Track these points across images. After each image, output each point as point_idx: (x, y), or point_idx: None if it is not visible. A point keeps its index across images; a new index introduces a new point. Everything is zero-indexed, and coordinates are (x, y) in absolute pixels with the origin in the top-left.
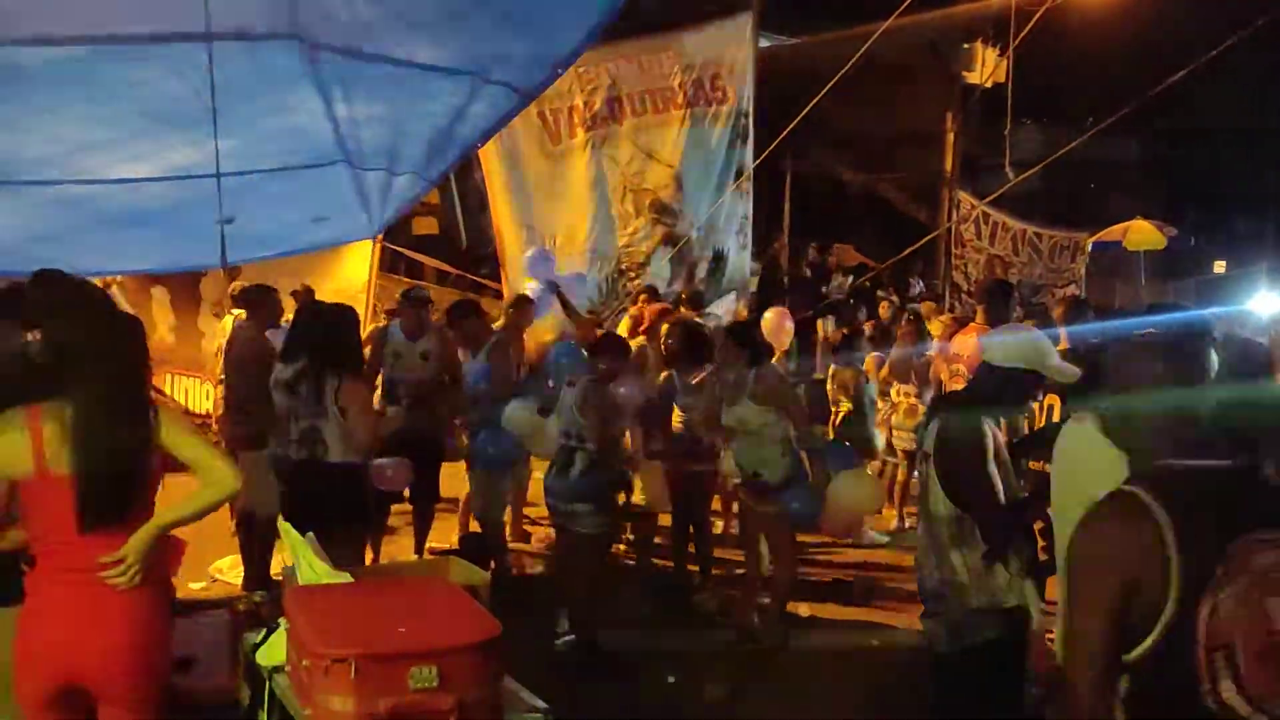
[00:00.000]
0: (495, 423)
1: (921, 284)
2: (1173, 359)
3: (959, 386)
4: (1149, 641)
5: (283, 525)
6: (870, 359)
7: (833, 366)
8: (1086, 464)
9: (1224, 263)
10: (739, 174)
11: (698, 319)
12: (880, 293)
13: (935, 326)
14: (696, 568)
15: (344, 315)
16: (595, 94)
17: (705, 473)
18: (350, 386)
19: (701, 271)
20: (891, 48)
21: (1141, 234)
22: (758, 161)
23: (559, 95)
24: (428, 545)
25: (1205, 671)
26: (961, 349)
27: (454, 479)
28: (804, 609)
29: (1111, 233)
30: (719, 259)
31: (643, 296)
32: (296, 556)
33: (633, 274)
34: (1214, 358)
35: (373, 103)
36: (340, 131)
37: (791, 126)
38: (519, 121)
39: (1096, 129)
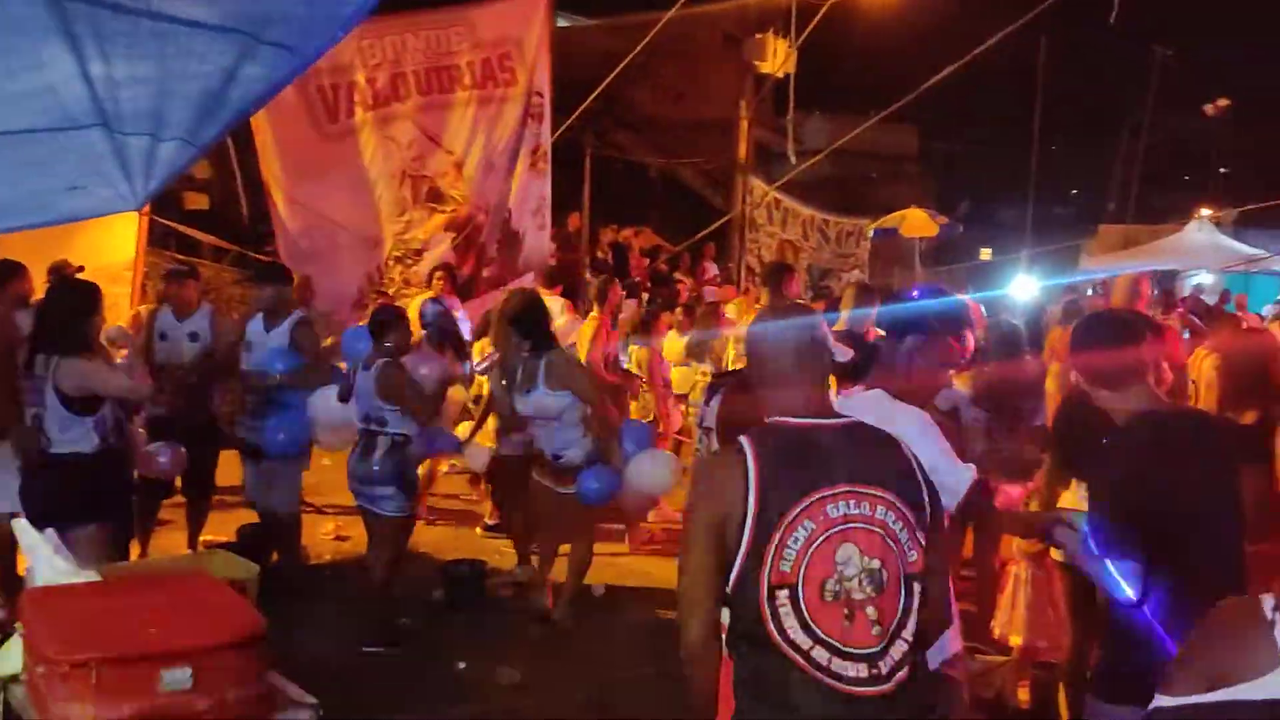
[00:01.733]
0: (288, 407)
1: (716, 267)
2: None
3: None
4: (733, 574)
5: (16, 524)
6: (669, 339)
7: (632, 347)
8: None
9: (990, 250)
10: (534, 154)
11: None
12: (677, 275)
13: (731, 308)
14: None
15: (65, 293)
16: (378, 70)
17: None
18: (69, 367)
19: (492, 253)
20: (689, 36)
21: (916, 222)
22: (555, 136)
23: (338, 69)
24: (203, 538)
25: (766, 608)
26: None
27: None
28: (601, 587)
29: (889, 220)
30: (513, 240)
31: (439, 274)
32: (35, 556)
33: (410, 261)
34: (969, 338)
35: (133, 61)
36: (96, 92)
37: (584, 106)
38: (292, 95)
39: (871, 121)
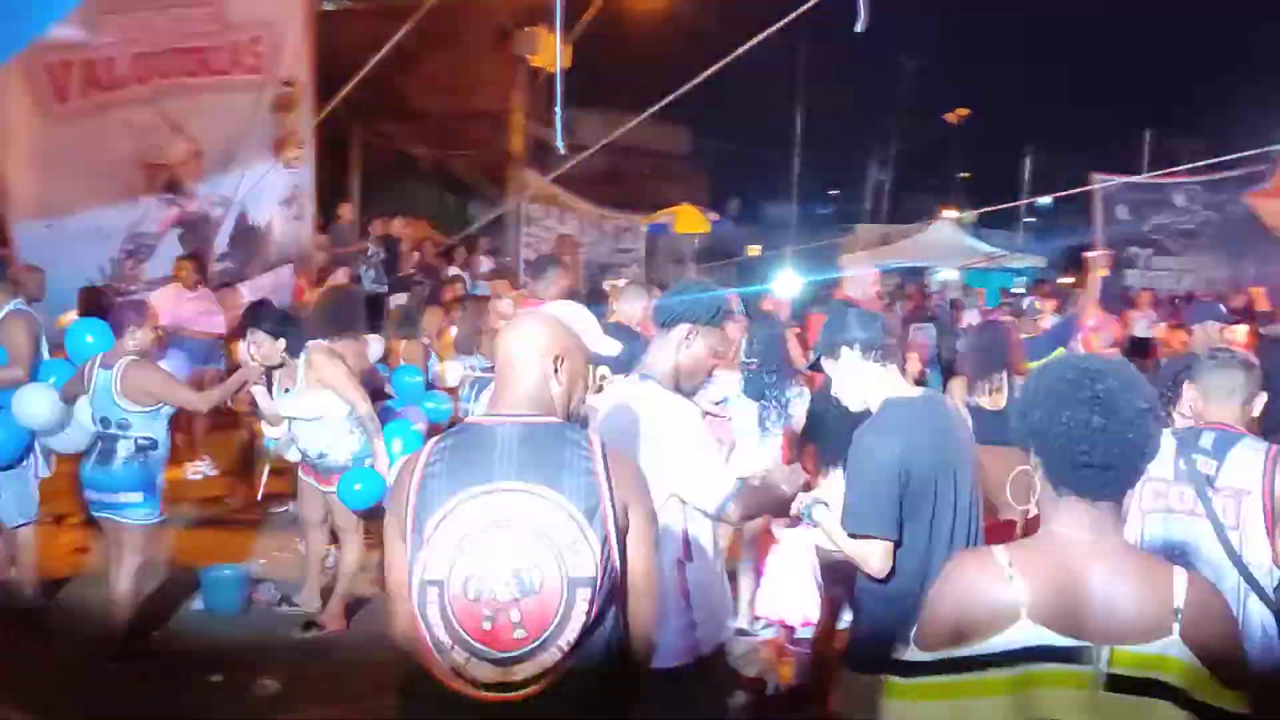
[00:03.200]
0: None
1: (491, 261)
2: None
3: None
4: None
5: None
6: (436, 333)
7: (398, 342)
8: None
9: (758, 247)
10: (283, 144)
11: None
12: (451, 269)
13: (505, 303)
14: None
15: None
16: (117, 49)
17: None
18: None
19: (223, 246)
20: (461, 26)
21: (688, 219)
22: (320, 125)
23: (70, 46)
24: None
25: (417, 605)
26: None
27: None
28: (370, 589)
29: (663, 216)
30: (249, 235)
31: (186, 265)
32: None
33: (142, 256)
34: (734, 331)
35: None
36: None
37: (343, 93)
38: (15, 73)
39: (639, 118)
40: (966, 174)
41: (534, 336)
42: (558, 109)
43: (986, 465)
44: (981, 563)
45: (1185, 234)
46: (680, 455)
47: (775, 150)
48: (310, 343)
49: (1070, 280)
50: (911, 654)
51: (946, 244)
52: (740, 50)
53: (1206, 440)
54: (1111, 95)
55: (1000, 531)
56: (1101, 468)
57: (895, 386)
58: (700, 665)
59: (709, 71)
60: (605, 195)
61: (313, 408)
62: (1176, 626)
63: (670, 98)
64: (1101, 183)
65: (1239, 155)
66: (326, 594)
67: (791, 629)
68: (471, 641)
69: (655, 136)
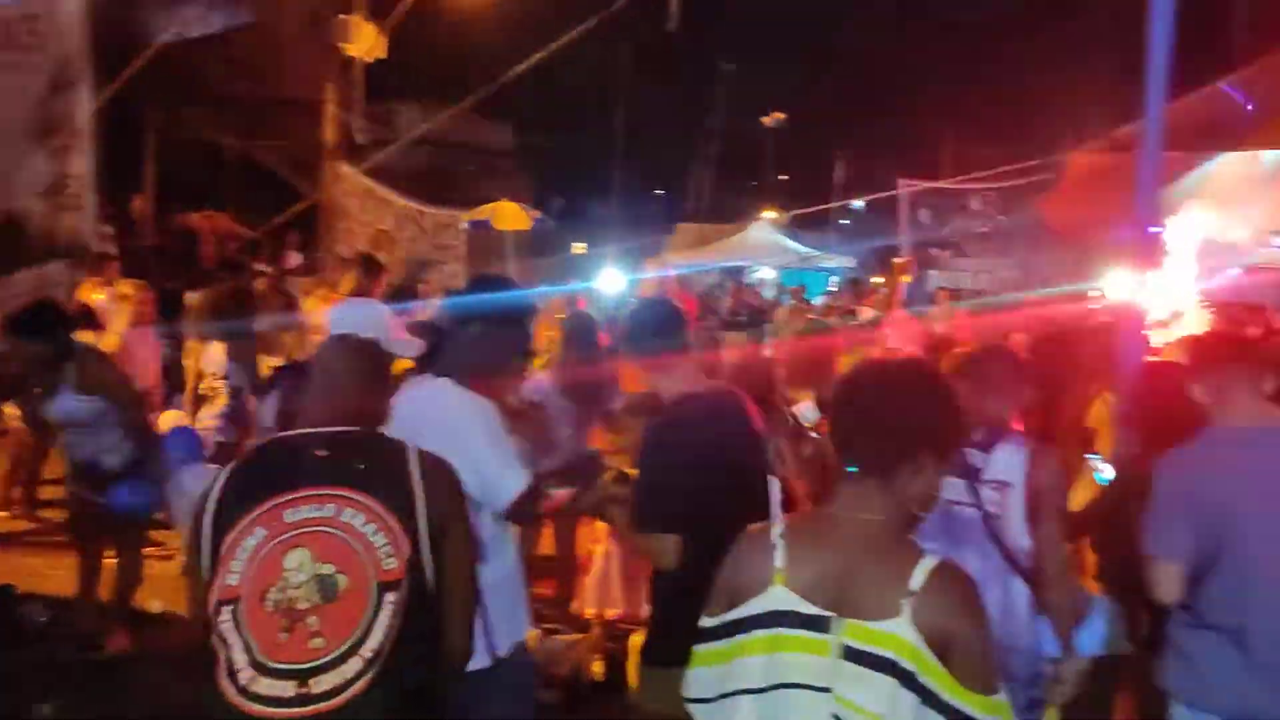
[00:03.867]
0: None
1: (300, 256)
2: (500, 328)
3: None
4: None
5: None
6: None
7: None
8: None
9: (583, 244)
10: (53, 127)
11: None
12: (257, 264)
13: (312, 301)
14: None
15: None
16: None
17: None
18: None
19: None
20: (271, 10)
21: (508, 215)
22: (104, 108)
23: None
24: None
25: (214, 625)
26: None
27: None
28: (156, 604)
29: (482, 212)
30: (13, 223)
31: None
32: None
33: None
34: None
35: None
36: None
37: (129, 72)
38: None
39: (454, 110)
40: (784, 176)
41: (344, 353)
42: (364, 100)
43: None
44: (759, 532)
45: (981, 237)
46: (469, 453)
47: (600, 149)
48: (80, 345)
49: (880, 280)
50: (702, 622)
51: (764, 244)
52: (554, 46)
53: (978, 435)
54: (916, 103)
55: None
56: (844, 445)
57: (689, 380)
58: (498, 666)
59: (523, 66)
60: (425, 190)
61: (83, 413)
62: (906, 609)
63: (484, 91)
64: (906, 187)
65: (1026, 164)
66: (106, 611)
67: (612, 623)
68: (262, 658)
69: (479, 132)
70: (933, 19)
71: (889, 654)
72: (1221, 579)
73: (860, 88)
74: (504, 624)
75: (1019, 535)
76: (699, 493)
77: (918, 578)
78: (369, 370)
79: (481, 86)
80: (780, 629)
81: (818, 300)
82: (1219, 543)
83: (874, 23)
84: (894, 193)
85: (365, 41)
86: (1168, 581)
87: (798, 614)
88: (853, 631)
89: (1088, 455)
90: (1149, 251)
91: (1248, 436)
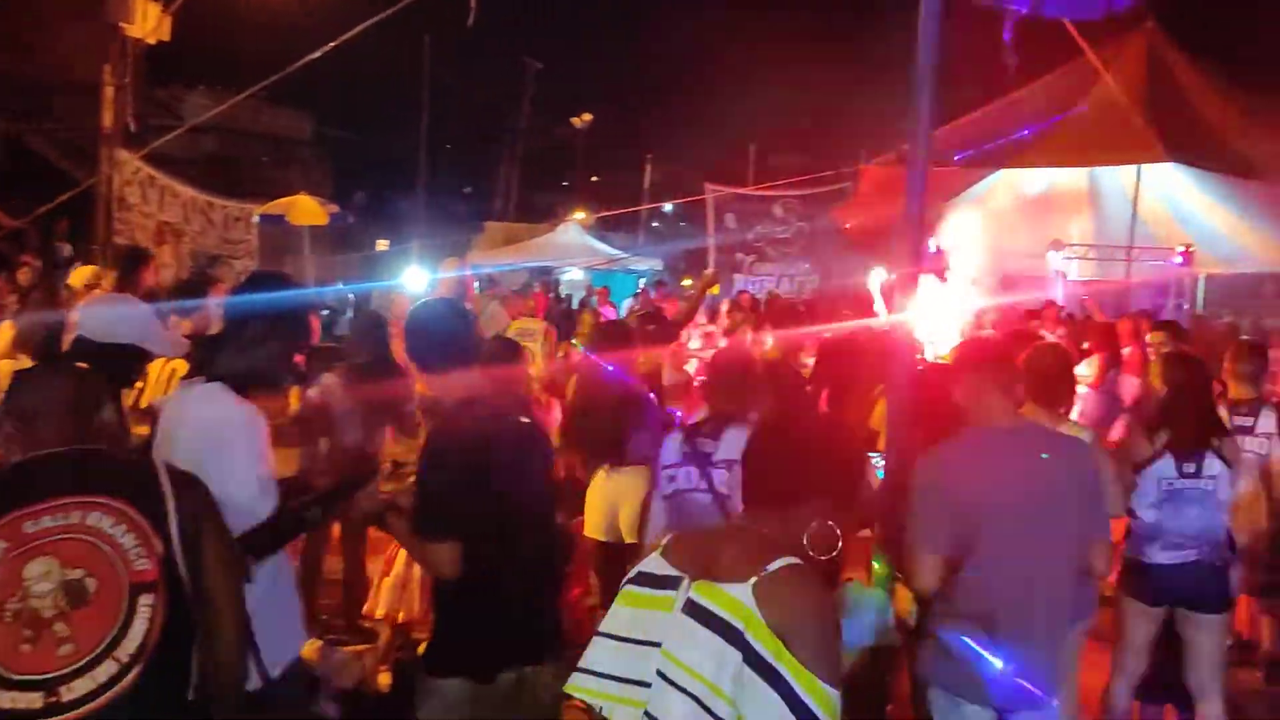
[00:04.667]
0: None
1: (71, 248)
2: (277, 329)
3: None
4: None
5: None
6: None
7: None
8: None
9: (386, 241)
10: None
11: None
12: (24, 256)
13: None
14: None
15: None
16: None
17: None
18: None
19: None
20: None
21: (303, 209)
22: None
23: None
24: None
25: None
26: None
27: None
28: None
29: (276, 206)
30: None
31: None
32: None
33: None
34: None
35: None
36: None
37: None
38: None
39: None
40: (595, 178)
41: (43, 385)
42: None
43: None
44: None
45: (783, 242)
46: (221, 466)
47: (406, 143)
48: None
49: (689, 282)
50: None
51: (573, 245)
52: (350, 34)
53: (709, 425)
54: (724, 110)
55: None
56: (749, 486)
57: (469, 387)
58: (269, 688)
59: (318, 52)
60: (217, 180)
61: None
62: (752, 580)
63: (277, 77)
64: (713, 192)
65: (824, 174)
66: None
67: (405, 628)
68: (6, 673)
69: (274, 121)
70: (739, 30)
71: (724, 613)
72: (974, 570)
73: (671, 93)
74: (274, 643)
75: None
76: (480, 500)
77: (773, 566)
78: (71, 401)
79: (275, 72)
80: (647, 588)
81: (626, 302)
82: (971, 536)
83: (683, 31)
84: (701, 197)
85: (147, 22)
86: (925, 572)
87: (654, 574)
88: (699, 588)
89: (871, 454)
90: (919, 260)
91: (997, 436)
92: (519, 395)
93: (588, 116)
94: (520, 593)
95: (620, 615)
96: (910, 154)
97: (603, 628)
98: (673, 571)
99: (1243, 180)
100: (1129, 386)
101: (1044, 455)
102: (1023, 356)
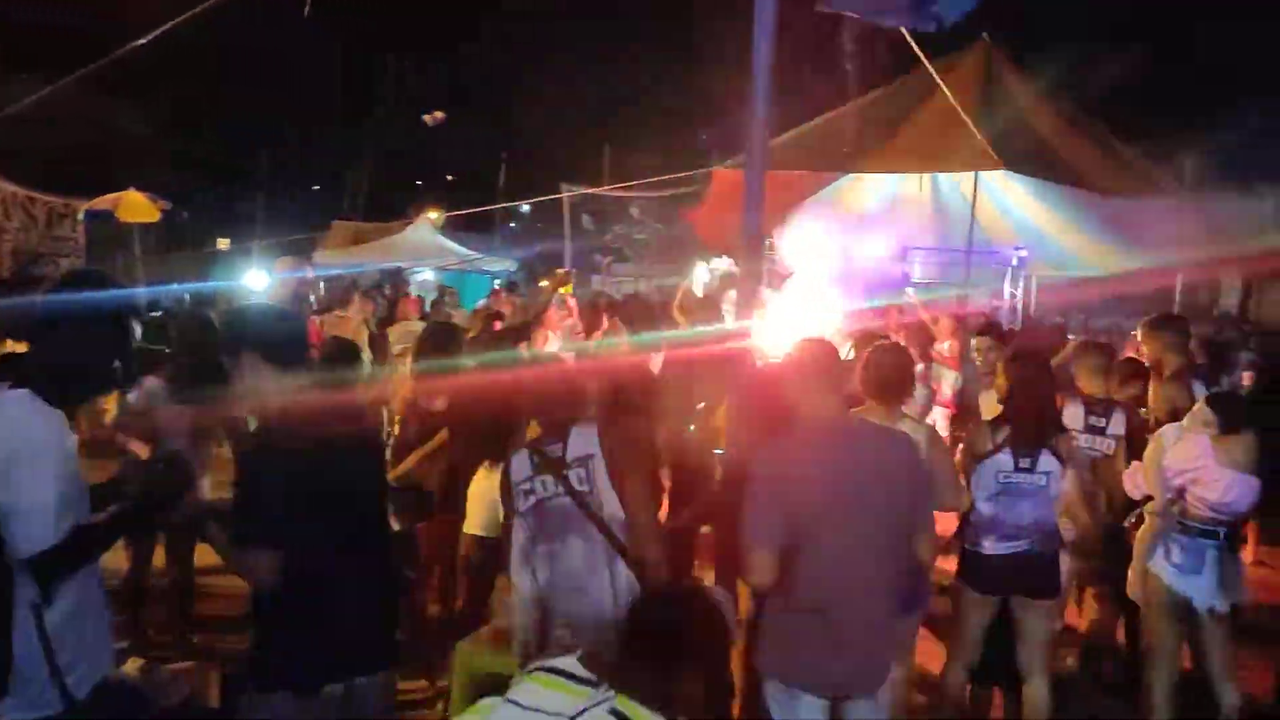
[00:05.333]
0: None
1: None
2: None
3: None
4: None
5: None
6: None
7: None
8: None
9: (227, 239)
10: None
11: None
12: None
13: None
14: None
15: None
16: None
17: None
18: None
19: None
20: None
21: (132, 205)
22: None
23: None
24: None
25: None
26: None
27: None
28: None
29: (103, 202)
30: None
31: None
32: None
33: None
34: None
35: None
36: None
37: None
38: None
39: (69, 81)
40: (450, 176)
41: None
42: None
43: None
44: None
45: (639, 243)
46: (12, 480)
47: (250, 138)
48: None
49: (545, 284)
50: None
51: (424, 244)
52: (182, 19)
53: (549, 434)
54: (580, 110)
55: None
56: (624, 669)
57: (291, 390)
58: (74, 710)
59: (147, 38)
60: (38, 174)
61: None
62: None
63: (102, 63)
64: (568, 192)
65: (679, 175)
66: None
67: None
68: None
69: (104, 111)
70: (595, 28)
71: None
72: (807, 563)
73: (526, 92)
74: (79, 663)
75: (613, 508)
76: (301, 507)
77: None
78: None
79: (100, 59)
80: (555, 675)
81: (480, 304)
82: (803, 530)
83: (536, 30)
84: (556, 196)
85: None
86: (760, 567)
87: (573, 674)
88: (624, 702)
89: (717, 451)
90: (757, 265)
91: (826, 433)
92: (351, 399)
93: (440, 114)
94: (347, 602)
95: (533, 690)
96: (748, 161)
97: (512, 695)
98: (591, 676)
99: (1071, 189)
100: (948, 379)
101: (870, 450)
102: (863, 357)
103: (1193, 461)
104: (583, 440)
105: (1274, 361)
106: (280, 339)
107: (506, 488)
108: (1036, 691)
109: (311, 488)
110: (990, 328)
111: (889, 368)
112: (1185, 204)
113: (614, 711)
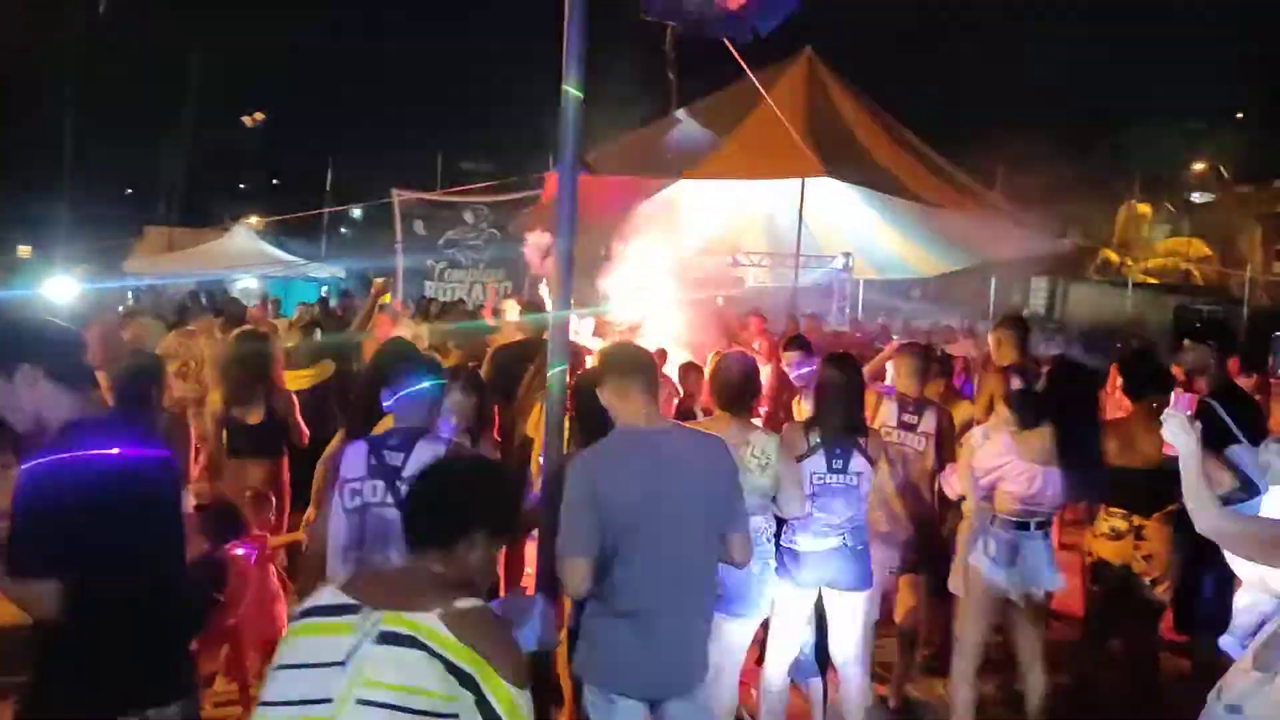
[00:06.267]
0: None
1: None
2: None
3: None
4: None
5: None
6: None
7: None
8: None
9: (29, 247)
10: None
11: None
12: None
13: None
14: None
15: None
16: None
17: None
18: None
19: None
20: None
21: None
22: None
23: None
24: None
25: None
26: None
27: None
28: None
29: None
30: None
31: None
32: None
33: None
34: None
35: None
36: None
37: None
38: None
39: None
40: (275, 179)
41: None
42: None
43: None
44: None
45: (474, 249)
46: None
47: (52, 141)
48: None
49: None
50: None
51: (246, 251)
52: None
53: (395, 439)
54: (411, 114)
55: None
56: (410, 523)
57: (76, 409)
58: None
59: None
60: None
61: None
62: (438, 611)
63: None
64: (400, 197)
65: (511, 180)
66: None
67: None
68: None
69: None
70: (426, 30)
71: (419, 635)
72: (624, 569)
73: (355, 96)
74: None
75: None
76: (84, 534)
77: (459, 604)
78: None
79: None
80: (327, 617)
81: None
82: (618, 535)
83: (368, 30)
84: (386, 201)
85: None
86: (576, 575)
87: (330, 605)
88: (389, 619)
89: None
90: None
91: (637, 438)
92: (150, 417)
93: (260, 114)
94: (139, 632)
95: (299, 645)
96: (560, 169)
97: (280, 660)
98: (350, 601)
99: (891, 196)
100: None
101: (683, 455)
102: (711, 365)
103: (998, 459)
104: (426, 455)
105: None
106: (64, 353)
107: (330, 477)
108: (854, 680)
109: (96, 513)
110: (794, 341)
111: (734, 375)
112: (996, 210)
113: (384, 635)
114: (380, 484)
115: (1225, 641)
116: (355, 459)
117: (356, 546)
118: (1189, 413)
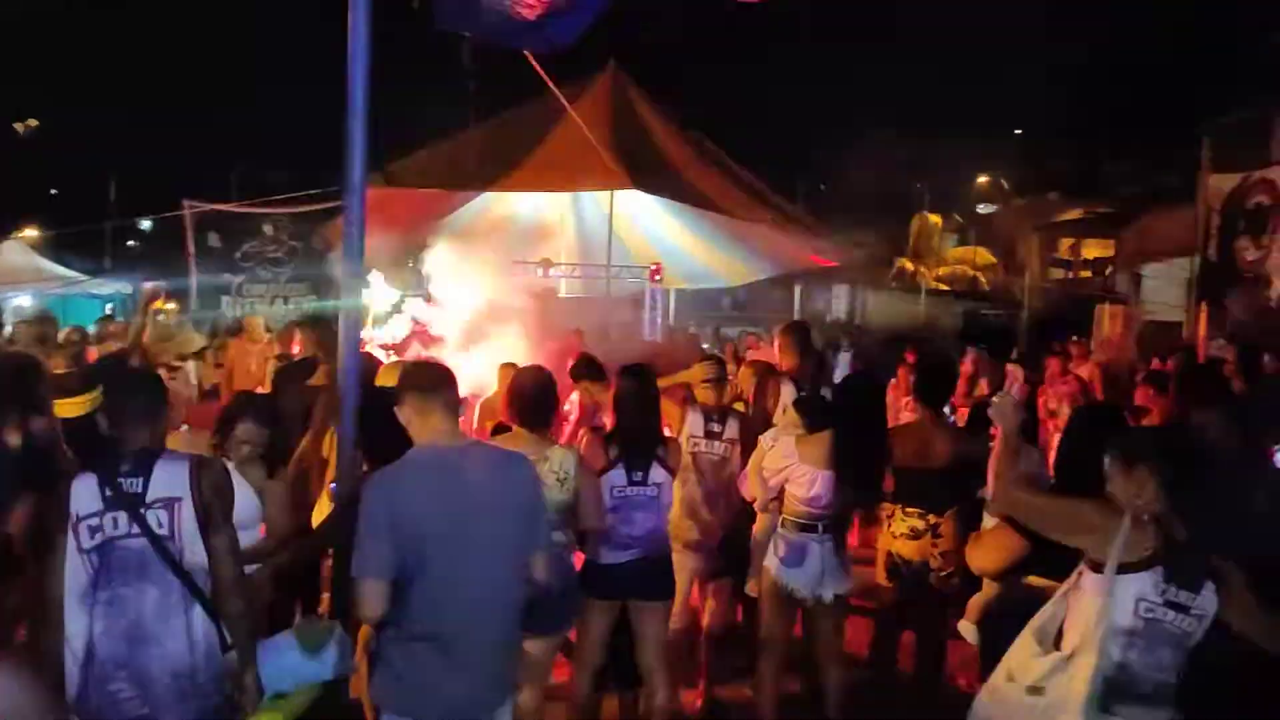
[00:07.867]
0: None
1: None
2: None
3: None
4: None
5: None
6: None
7: None
8: None
9: None
10: None
11: None
12: None
13: None
14: None
15: None
16: None
17: None
18: None
19: None
20: None
21: None
22: None
23: None
24: None
25: None
26: None
27: None
28: None
29: None
30: None
31: None
32: None
33: None
34: None
35: None
36: None
37: None
38: None
39: None
40: (53, 190)
41: None
42: None
43: None
44: None
45: (274, 261)
46: None
47: None
48: None
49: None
50: None
51: (18, 267)
52: None
53: (127, 464)
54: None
55: None
56: None
57: None
58: None
59: None
60: None
61: None
62: None
63: None
64: (191, 208)
65: (314, 191)
66: None
67: None
68: None
69: None
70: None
71: None
72: (420, 591)
73: (142, 100)
74: None
75: (194, 553)
76: None
77: None
78: None
79: None
80: None
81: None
82: (416, 557)
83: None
84: (177, 213)
85: None
86: (371, 599)
87: None
88: None
89: (331, 483)
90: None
91: (436, 457)
92: None
93: (33, 121)
94: None
95: None
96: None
97: None
98: None
99: (698, 209)
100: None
101: (483, 473)
102: (506, 382)
103: (784, 462)
104: (168, 477)
105: (869, 360)
106: None
107: (60, 518)
108: (658, 689)
109: None
110: (587, 365)
111: (529, 390)
112: (798, 222)
113: None
114: (123, 514)
115: (963, 626)
116: (87, 492)
117: (99, 587)
118: (1020, 399)
